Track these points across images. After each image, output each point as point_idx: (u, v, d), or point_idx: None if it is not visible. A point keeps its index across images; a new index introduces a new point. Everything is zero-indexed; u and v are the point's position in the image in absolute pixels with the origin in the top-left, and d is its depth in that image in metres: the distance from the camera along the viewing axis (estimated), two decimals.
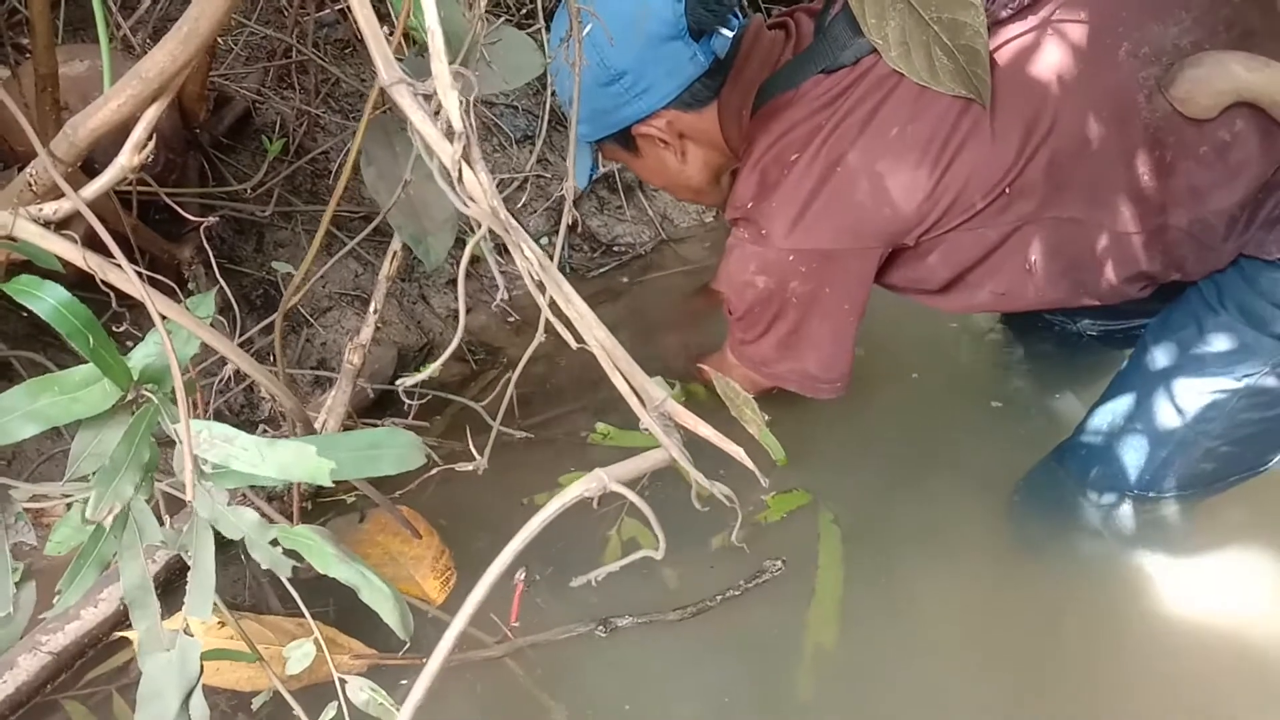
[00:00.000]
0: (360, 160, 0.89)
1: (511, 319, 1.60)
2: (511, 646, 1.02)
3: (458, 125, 0.46)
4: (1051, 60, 0.97)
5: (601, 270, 1.77)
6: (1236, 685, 1.01)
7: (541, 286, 0.49)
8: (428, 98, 0.53)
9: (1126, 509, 1.20)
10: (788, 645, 1.04)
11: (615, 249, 1.83)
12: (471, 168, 0.47)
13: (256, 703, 0.84)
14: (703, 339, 1.47)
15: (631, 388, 0.53)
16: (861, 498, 1.23)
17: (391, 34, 0.71)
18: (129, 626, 1.01)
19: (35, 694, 0.94)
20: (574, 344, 0.52)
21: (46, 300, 0.60)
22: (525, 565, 1.05)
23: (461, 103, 0.48)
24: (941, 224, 1.04)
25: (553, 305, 0.52)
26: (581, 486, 0.53)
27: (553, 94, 1.08)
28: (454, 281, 1.64)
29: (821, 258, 1.05)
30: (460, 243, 1.61)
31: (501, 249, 1.69)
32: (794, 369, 1.16)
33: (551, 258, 0.56)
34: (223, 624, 0.95)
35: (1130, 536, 1.18)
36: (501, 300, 0.90)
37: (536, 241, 1.67)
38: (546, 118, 1.00)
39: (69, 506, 0.70)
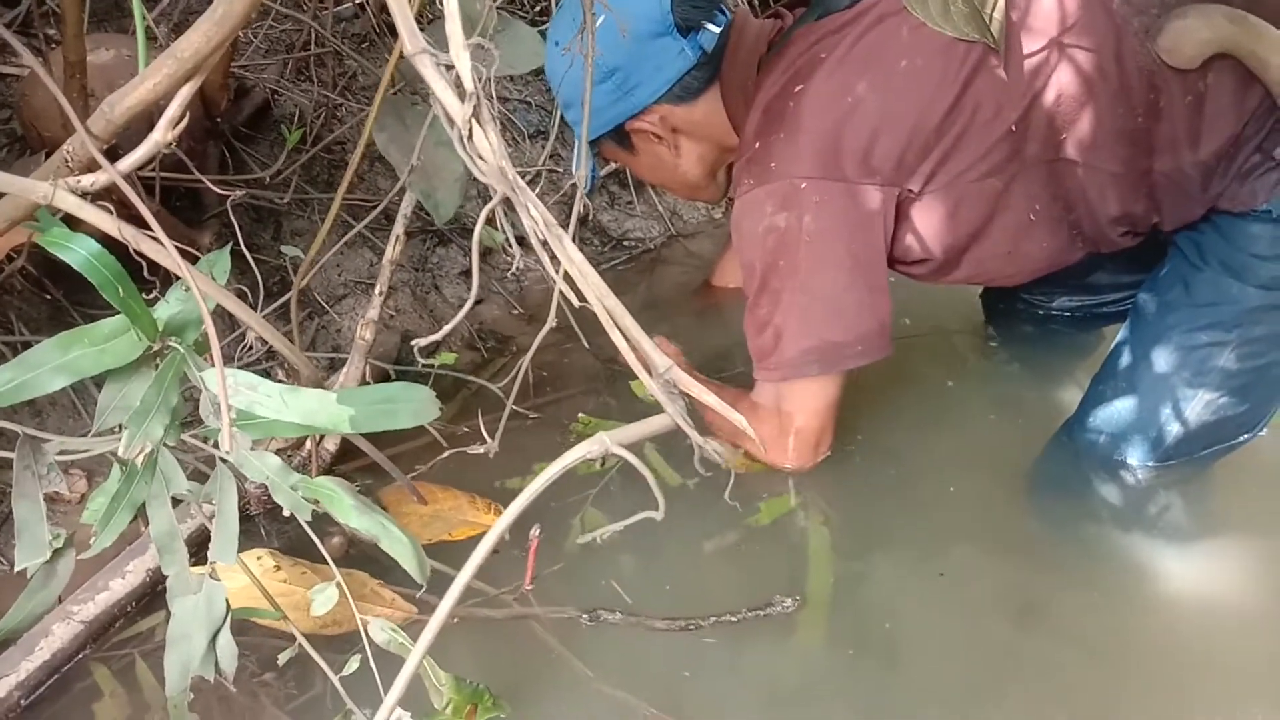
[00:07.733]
0: (374, 128, 0.93)
1: (515, 310, 1.64)
2: (510, 612, 1.04)
3: (468, 85, 0.49)
4: (1051, 4, 1.01)
5: (612, 264, 1.81)
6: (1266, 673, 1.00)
7: (547, 246, 0.52)
8: (448, 68, 0.56)
9: (1140, 475, 1.21)
10: (770, 648, 1.01)
11: (626, 243, 1.86)
12: (482, 127, 0.50)
13: (283, 658, 0.86)
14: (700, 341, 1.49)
15: (634, 351, 0.56)
16: (855, 502, 1.20)
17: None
18: (153, 598, 1.04)
19: (68, 661, 0.98)
20: (576, 302, 0.55)
21: (79, 251, 0.63)
22: (540, 523, 1.06)
23: (480, 72, 0.51)
24: (950, 164, 1.04)
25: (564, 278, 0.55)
26: (584, 449, 0.56)
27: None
28: (466, 273, 1.68)
29: (833, 189, 1.04)
30: (468, 232, 1.66)
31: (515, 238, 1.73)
32: (816, 345, 1.09)
33: (565, 229, 0.59)
34: (279, 568, 0.98)
35: (1145, 506, 1.19)
36: (517, 269, 0.93)
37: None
38: (558, 114, 1.04)
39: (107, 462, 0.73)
